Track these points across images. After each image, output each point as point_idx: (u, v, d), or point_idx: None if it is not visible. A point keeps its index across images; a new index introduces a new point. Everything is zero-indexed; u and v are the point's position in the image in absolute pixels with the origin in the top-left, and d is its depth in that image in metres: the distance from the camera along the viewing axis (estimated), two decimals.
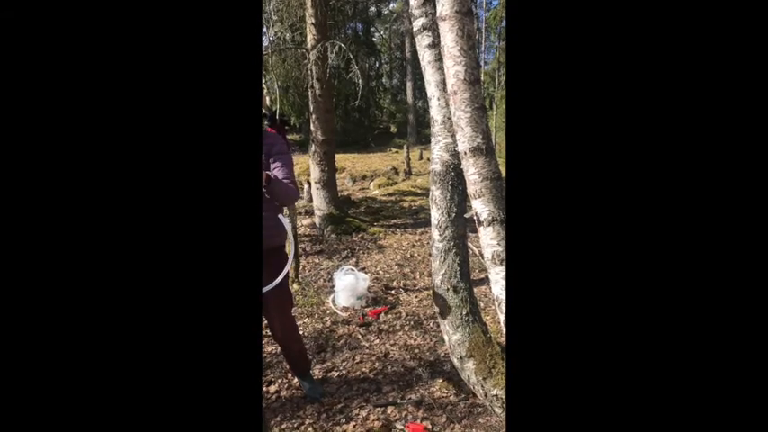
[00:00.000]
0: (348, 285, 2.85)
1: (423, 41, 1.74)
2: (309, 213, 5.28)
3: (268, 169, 1.62)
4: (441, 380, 1.98)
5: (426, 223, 4.94)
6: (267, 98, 2.92)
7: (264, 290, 1.58)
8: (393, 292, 3.16)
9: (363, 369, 2.13)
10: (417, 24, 1.75)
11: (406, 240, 4.49)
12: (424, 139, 12.49)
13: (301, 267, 3.55)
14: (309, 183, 5.80)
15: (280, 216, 1.65)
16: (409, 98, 13.89)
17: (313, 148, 4.78)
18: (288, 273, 1.78)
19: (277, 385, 1.99)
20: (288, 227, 1.65)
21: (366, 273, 3.26)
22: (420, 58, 1.79)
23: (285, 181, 1.59)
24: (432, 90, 1.74)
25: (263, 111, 2.95)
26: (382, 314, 2.76)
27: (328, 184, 4.85)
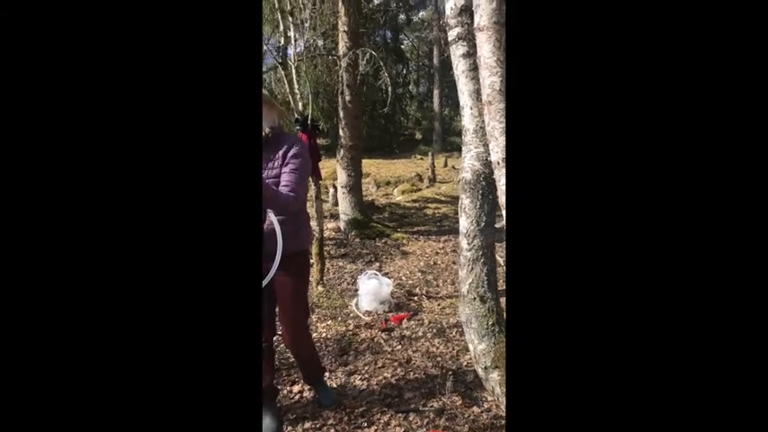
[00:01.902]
0: (371, 290, 2.87)
1: (457, 51, 1.76)
2: (335, 217, 5.33)
3: (278, 166, 1.58)
4: (463, 389, 1.97)
5: (450, 231, 4.93)
6: (300, 103, 2.99)
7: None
8: (416, 298, 3.16)
9: (385, 374, 2.14)
10: (452, 34, 1.77)
11: (429, 247, 4.48)
12: (449, 147, 12.46)
13: (326, 270, 3.59)
14: (335, 186, 5.86)
15: (271, 215, 1.52)
16: (435, 106, 13.90)
17: (341, 153, 4.84)
18: (309, 282, 1.77)
19: (300, 385, 2.02)
20: (278, 230, 1.48)
21: (389, 278, 3.27)
22: (453, 67, 1.81)
23: (284, 189, 1.52)
24: (464, 99, 1.75)
25: (296, 116, 3.03)
26: (405, 320, 2.76)
27: (354, 188, 4.90)
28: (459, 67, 1.75)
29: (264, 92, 1.65)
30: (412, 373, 2.14)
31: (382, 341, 2.50)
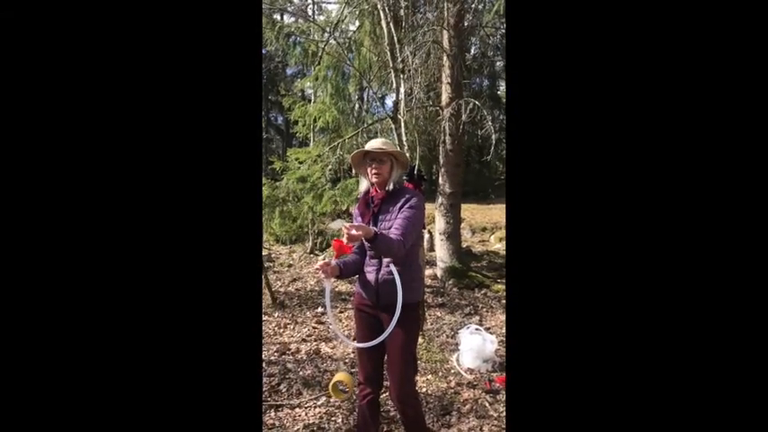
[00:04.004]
0: (474, 346, 2.73)
1: None
2: (431, 264, 5.28)
3: (395, 217, 1.61)
4: None
5: None
6: (407, 153, 3.07)
7: (370, 343, 1.59)
8: None
9: None
10: None
11: None
12: None
13: (425, 320, 3.52)
14: (431, 233, 5.85)
15: (392, 266, 1.60)
16: None
17: (440, 200, 4.85)
18: (416, 336, 1.73)
19: None
20: (398, 282, 1.55)
21: (492, 334, 3.10)
22: None
23: (395, 232, 1.55)
24: None
25: None
26: None
27: (452, 235, 4.84)
28: None
29: (391, 142, 1.71)
30: None
31: (487, 404, 2.33)
